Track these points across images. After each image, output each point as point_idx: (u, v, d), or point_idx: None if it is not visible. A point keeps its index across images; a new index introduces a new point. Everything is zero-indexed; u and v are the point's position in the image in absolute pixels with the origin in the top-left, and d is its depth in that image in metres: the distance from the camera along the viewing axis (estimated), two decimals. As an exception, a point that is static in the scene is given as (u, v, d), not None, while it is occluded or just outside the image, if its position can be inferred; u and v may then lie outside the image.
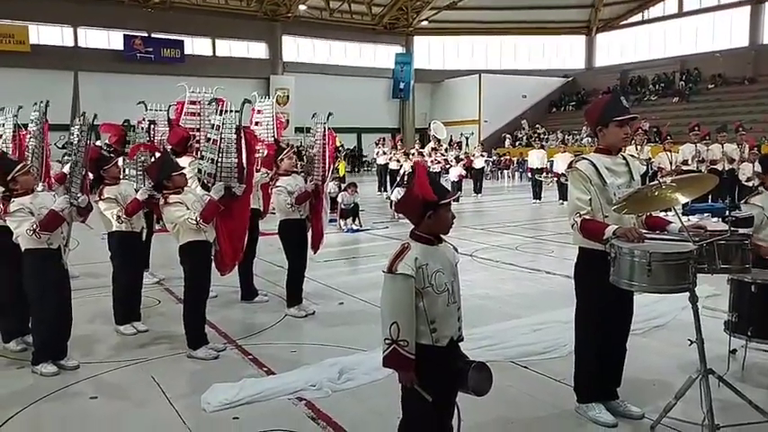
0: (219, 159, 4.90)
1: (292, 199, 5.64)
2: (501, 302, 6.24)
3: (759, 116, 24.61)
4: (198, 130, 5.82)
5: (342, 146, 23.73)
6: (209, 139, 4.97)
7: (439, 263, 2.57)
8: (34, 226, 4.18)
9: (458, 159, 19.44)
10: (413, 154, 18.54)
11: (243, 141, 5.04)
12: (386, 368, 2.57)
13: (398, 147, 19.80)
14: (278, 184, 5.71)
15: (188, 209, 4.62)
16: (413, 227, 2.62)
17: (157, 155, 5.48)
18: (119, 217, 5.17)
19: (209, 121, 5.13)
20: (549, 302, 5.97)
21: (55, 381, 4.23)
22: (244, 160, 5.06)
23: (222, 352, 4.78)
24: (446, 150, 21.78)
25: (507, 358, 4.49)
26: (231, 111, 5.02)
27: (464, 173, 18.89)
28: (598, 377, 3.52)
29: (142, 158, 5.99)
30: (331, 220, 10.28)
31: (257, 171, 6.03)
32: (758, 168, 5.12)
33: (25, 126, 5.97)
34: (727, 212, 3.48)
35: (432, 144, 21.17)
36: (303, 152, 6.47)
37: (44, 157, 5.89)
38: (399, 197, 2.79)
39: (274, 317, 5.75)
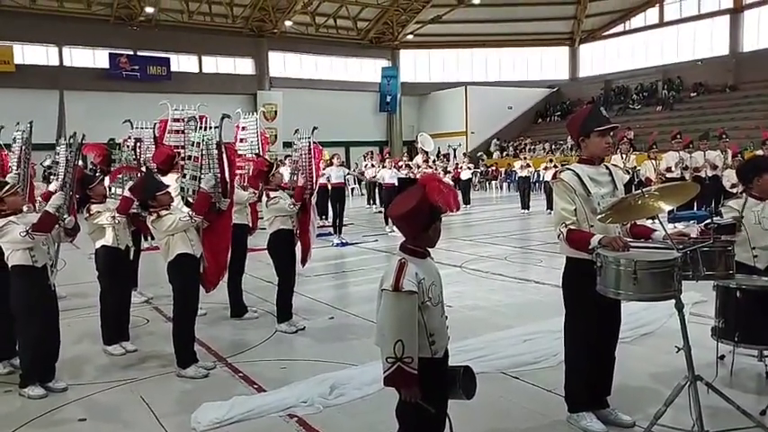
0: (202, 176, 4.89)
1: (292, 200, 5.74)
2: (491, 313, 6.26)
3: (741, 123, 24.93)
4: (183, 147, 5.82)
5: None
6: (189, 156, 4.97)
7: (431, 276, 2.57)
8: (27, 228, 4.15)
9: (446, 171, 19.55)
10: (414, 165, 18.40)
11: (225, 157, 5.05)
12: (382, 384, 2.53)
13: (386, 160, 19.82)
14: (272, 195, 5.76)
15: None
16: (403, 240, 2.59)
17: (138, 175, 5.47)
18: (113, 218, 5.12)
19: (191, 138, 5.13)
20: (538, 312, 5.99)
21: (43, 403, 4.18)
22: (227, 176, 5.07)
23: (212, 370, 4.75)
24: (434, 162, 21.87)
25: (498, 369, 4.50)
26: (211, 127, 5.03)
27: (452, 185, 18.93)
28: (588, 386, 3.53)
29: (126, 178, 5.98)
30: (319, 235, 10.27)
31: (245, 190, 6.04)
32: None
33: (8, 146, 5.94)
34: (710, 219, 3.50)
35: (421, 156, 21.24)
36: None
37: (28, 179, 5.85)
38: (395, 209, 2.75)
39: (264, 333, 5.72)
